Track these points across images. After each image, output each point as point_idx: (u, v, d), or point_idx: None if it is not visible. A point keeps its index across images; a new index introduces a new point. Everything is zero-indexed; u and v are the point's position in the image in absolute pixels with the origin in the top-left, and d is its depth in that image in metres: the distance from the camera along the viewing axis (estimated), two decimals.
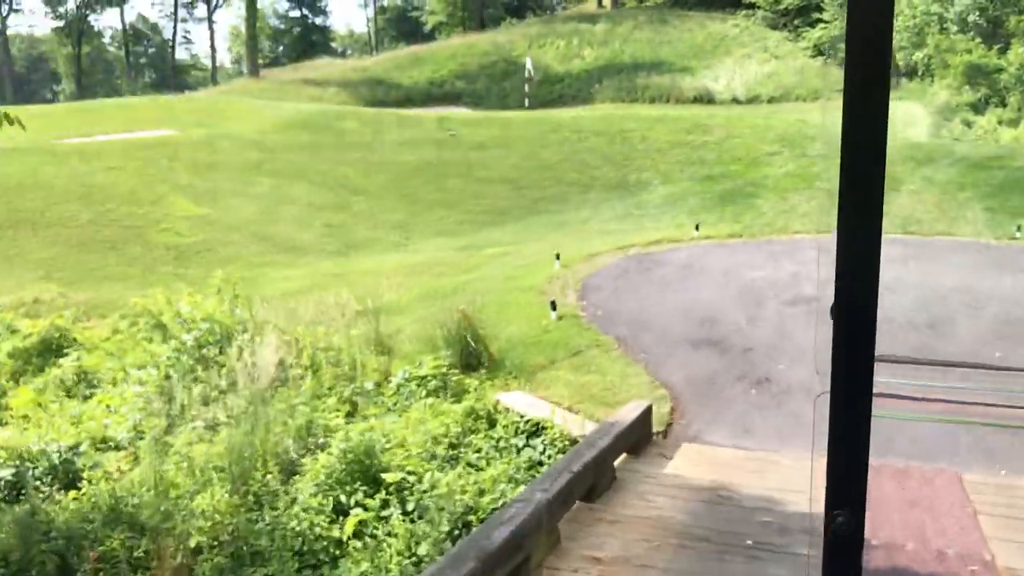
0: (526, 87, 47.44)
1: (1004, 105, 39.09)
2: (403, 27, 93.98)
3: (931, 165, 24.66)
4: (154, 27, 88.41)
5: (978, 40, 41.99)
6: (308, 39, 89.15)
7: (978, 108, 40.18)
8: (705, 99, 51.21)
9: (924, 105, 43.06)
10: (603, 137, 29.07)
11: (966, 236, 19.17)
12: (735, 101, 50.37)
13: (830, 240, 1.93)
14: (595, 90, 56.55)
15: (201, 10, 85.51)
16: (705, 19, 66.19)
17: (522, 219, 24.00)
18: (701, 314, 13.02)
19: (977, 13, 43.78)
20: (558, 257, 16.42)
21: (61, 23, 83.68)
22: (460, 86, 62.15)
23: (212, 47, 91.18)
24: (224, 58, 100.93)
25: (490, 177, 26.54)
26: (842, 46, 1.82)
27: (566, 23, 69.58)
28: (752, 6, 64.60)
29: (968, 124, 38.35)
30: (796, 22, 61.00)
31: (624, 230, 21.14)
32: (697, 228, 19.66)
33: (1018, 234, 18.89)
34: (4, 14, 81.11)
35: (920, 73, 48.19)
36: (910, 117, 41.81)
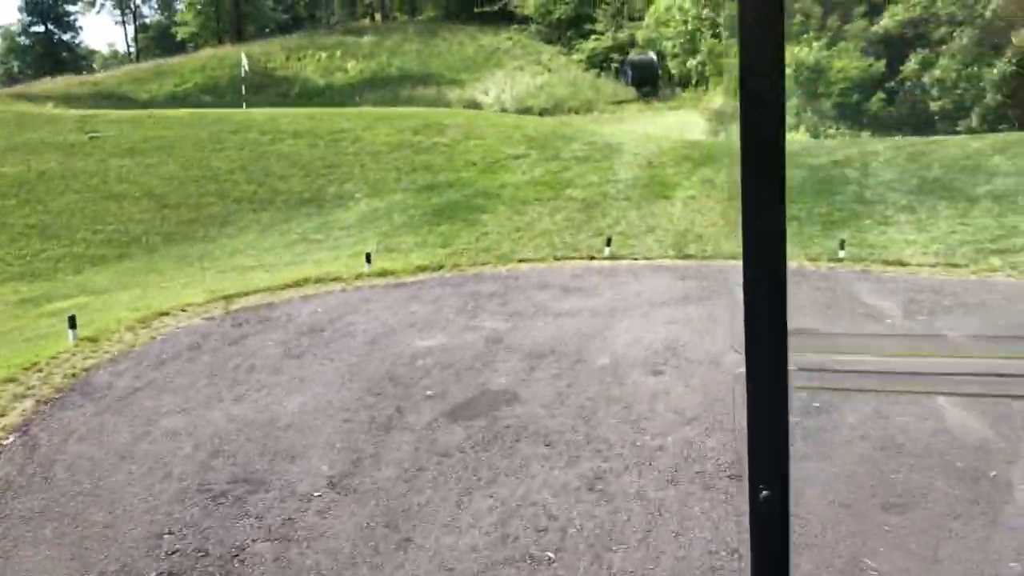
0: (243, 88, 38.98)
1: None
2: (166, 44, 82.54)
3: (711, 165, 17.97)
4: None
5: None
6: (55, 56, 76.78)
7: None
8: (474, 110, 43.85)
9: (700, 112, 37.42)
10: (303, 139, 21.05)
11: None
12: (504, 113, 43.39)
13: None
14: (356, 102, 48.28)
15: None
16: (477, 32, 59.45)
17: (154, 250, 15.62)
18: (249, 455, 5.27)
19: None
20: (73, 325, 8.29)
21: None
22: (206, 100, 52.42)
23: None
24: None
25: (128, 192, 17.97)
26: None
27: (330, 35, 61.31)
28: (526, 20, 58.48)
29: None
30: (569, 34, 55.10)
31: (279, 264, 13.16)
32: (368, 260, 11.90)
33: (842, 253, 12.11)
34: None
35: (695, 81, 42.72)
36: (686, 125, 35.97)
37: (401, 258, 12.65)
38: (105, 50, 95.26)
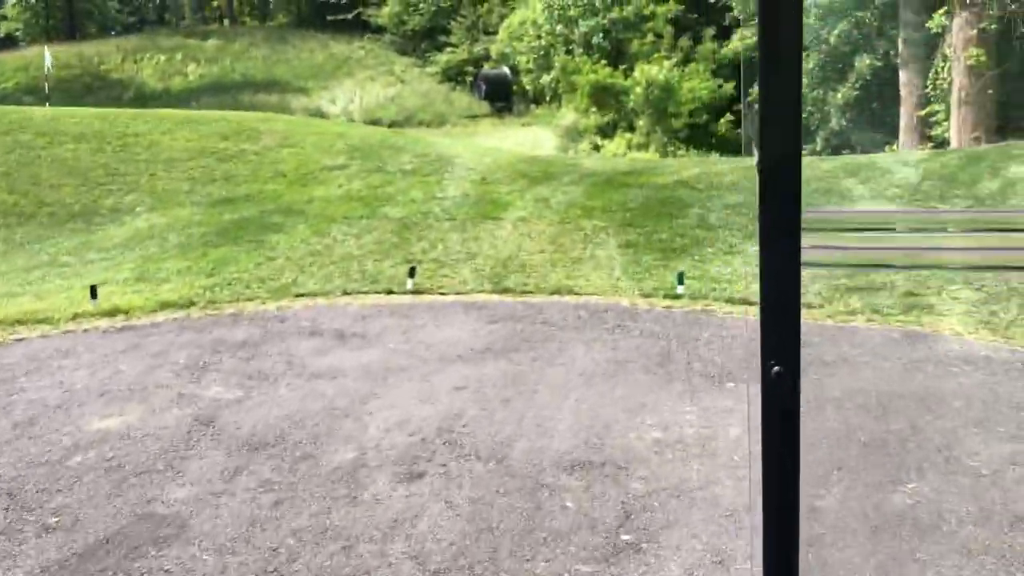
0: (46, 85, 35.12)
1: (633, 129, 32.24)
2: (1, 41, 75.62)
3: (549, 183, 15.91)
4: None
5: (604, 62, 35.02)
6: None
7: (607, 132, 33.13)
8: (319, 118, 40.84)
9: (552, 128, 35.69)
10: (88, 143, 17.91)
11: (599, 291, 10.24)
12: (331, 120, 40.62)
13: None
14: (192, 107, 44.46)
15: None
16: (329, 40, 56.36)
17: None
18: None
19: (601, 35, 36.97)
20: None
21: None
22: (27, 100, 47.47)
23: None
24: None
25: None
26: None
27: (171, 38, 57.06)
28: (380, 30, 55.84)
29: (597, 148, 31.05)
30: (423, 46, 52.77)
31: None
32: (94, 295, 9.20)
33: (680, 288, 10.13)
34: None
35: (548, 98, 41.04)
36: (535, 141, 34.14)
37: (149, 290, 9.94)
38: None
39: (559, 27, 39.45)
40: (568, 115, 35.11)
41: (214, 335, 8.29)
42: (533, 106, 42.38)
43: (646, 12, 35.32)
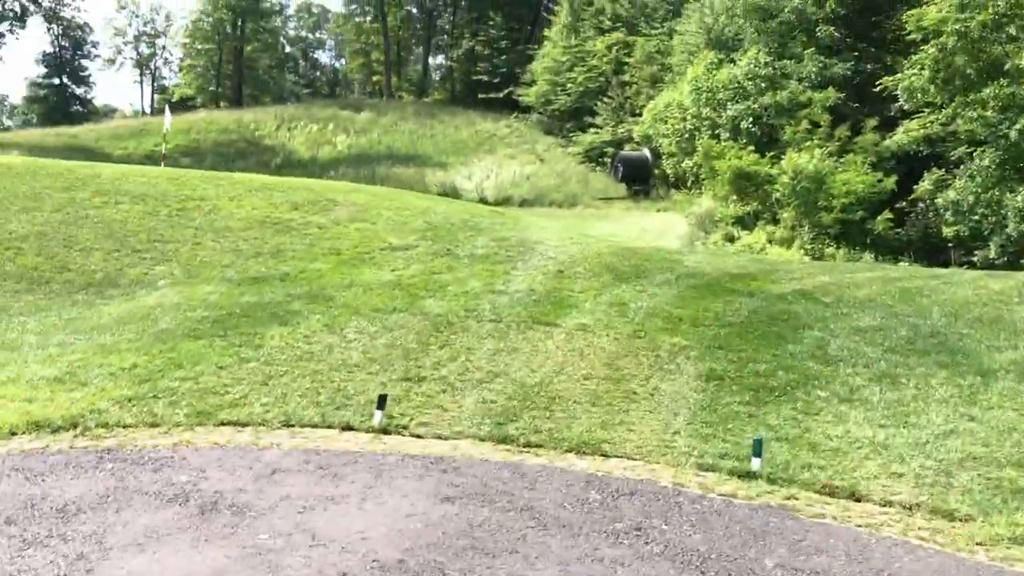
0: (163, 147, 34.70)
1: (776, 222, 28.53)
2: (181, 105, 79.36)
3: (636, 282, 12.82)
4: None
5: (751, 148, 31.49)
6: (65, 107, 73.95)
7: (746, 223, 29.55)
8: (450, 196, 39.13)
9: (685, 216, 32.37)
10: (144, 204, 16.16)
11: (639, 452, 7.04)
12: (483, 201, 38.68)
13: None
14: (331, 176, 43.93)
15: None
16: (477, 117, 55.33)
17: None
18: None
19: (750, 120, 33.54)
20: None
21: None
22: (183, 161, 48.32)
23: None
24: None
25: None
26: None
27: (326, 108, 57.45)
28: (528, 109, 54.34)
29: (731, 239, 27.51)
30: (568, 126, 50.71)
31: None
32: None
33: (756, 463, 6.78)
34: None
35: (689, 183, 37.80)
36: (663, 228, 30.90)
37: (47, 398, 7.46)
38: (127, 109, 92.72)
39: (706, 110, 36.28)
40: (705, 202, 31.77)
41: (40, 487, 5.64)
42: (673, 191, 39.22)
43: (802, 99, 31.66)
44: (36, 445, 6.41)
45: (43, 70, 75.11)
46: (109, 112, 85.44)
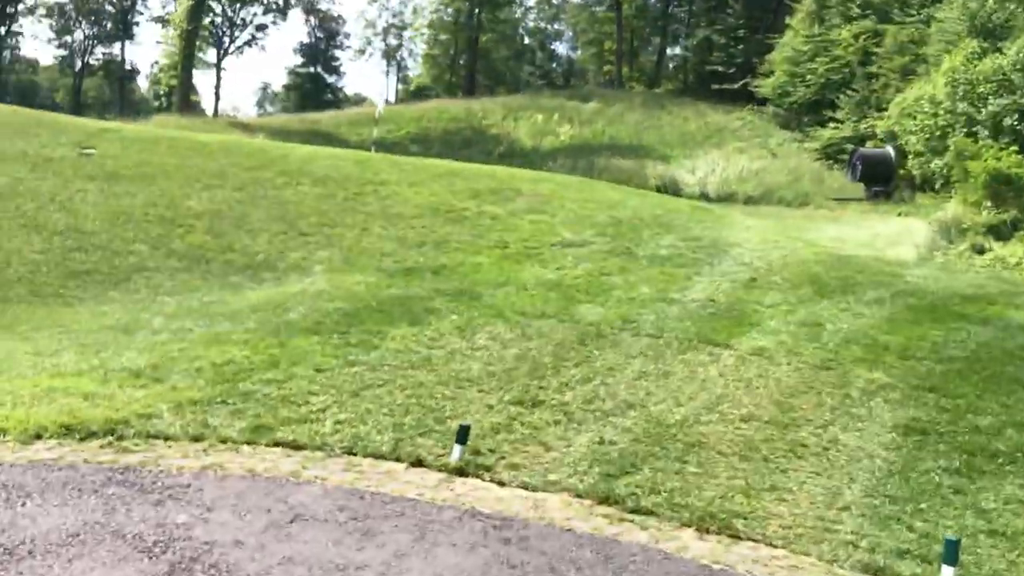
0: (374, 131, 34.80)
1: None
2: (422, 94, 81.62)
3: (840, 298, 10.62)
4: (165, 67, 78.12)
5: (1013, 149, 27.16)
6: (318, 95, 78.20)
7: (1001, 233, 25.44)
8: (670, 190, 37.13)
9: (928, 222, 28.50)
10: (323, 187, 15.61)
11: (787, 537, 5.17)
12: (704, 197, 36.40)
13: None
14: (549, 167, 43.19)
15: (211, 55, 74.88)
16: (708, 109, 52.60)
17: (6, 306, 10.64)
18: None
19: (1016, 117, 29.10)
20: None
21: (64, 52, 74.27)
22: (413, 148, 49.28)
23: (216, 92, 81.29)
24: (226, 104, 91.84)
25: (51, 225, 13.25)
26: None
27: (553, 98, 56.70)
28: (764, 101, 50.90)
29: (980, 251, 23.71)
30: (806, 120, 46.93)
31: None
32: None
33: (948, 575, 4.69)
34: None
35: (937, 186, 33.50)
36: (899, 236, 27.29)
37: (114, 393, 6.64)
38: (376, 98, 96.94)
39: (963, 105, 31.94)
40: (953, 207, 27.83)
41: (12, 513, 4.67)
42: (918, 194, 34.98)
43: None
44: (50, 455, 5.51)
45: (300, 60, 79.46)
46: (359, 100, 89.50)
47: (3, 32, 71.63)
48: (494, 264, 12.49)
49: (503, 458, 6.10)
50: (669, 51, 72.80)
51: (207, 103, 75.28)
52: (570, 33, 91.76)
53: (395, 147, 48.23)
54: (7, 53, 75.19)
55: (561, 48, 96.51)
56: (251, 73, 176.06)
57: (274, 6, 70.23)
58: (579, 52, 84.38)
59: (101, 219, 13.62)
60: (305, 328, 9.16)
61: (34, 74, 78.50)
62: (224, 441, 5.99)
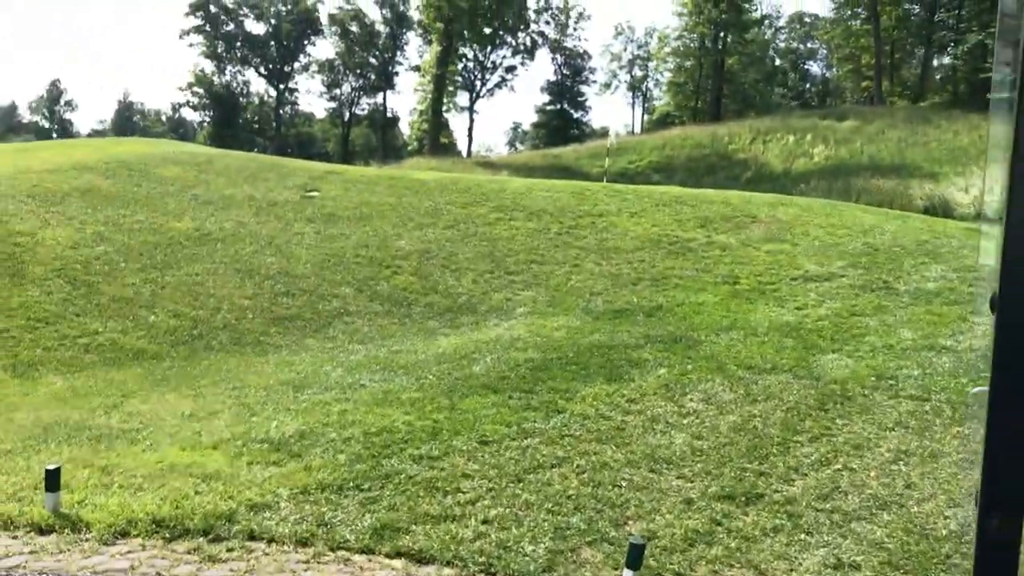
0: (606, 161, 33.14)
1: None
2: (667, 123, 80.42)
3: None
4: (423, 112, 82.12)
5: None
6: (566, 130, 78.85)
7: None
8: (940, 211, 33.01)
9: None
10: (538, 221, 14.37)
11: None
12: (979, 217, 31.90)
13: None
14: (800, 190, 40.09)
15: (463, 98, 77.56)
16: (982, 121, 46.82)
17: (203, 352, 10.36)
18: None
19: None
20: None
21: (334, 105, 79.64)
22: (655, 178, 47.85)
23: (469, 134, 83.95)
24: (479, 145, 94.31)
25: (263, 269, 12.94)
26: None
27: (805, 119, 53.02)
28: None
29: None
30: None
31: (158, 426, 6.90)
32: None
33: None
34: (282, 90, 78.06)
35: None
36: None
37: (234, 477, 5.61)
38: (621, 129, 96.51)
39: None
40: None
41: None
42: None
43: None
44: (122, 563, 4.44)
45: (547, 98, 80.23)
46: (603, 133, 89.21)
47: (283, 88, 78.17)
48: (720, 303, 10.61)
49: None
50: (935, 61, 66.32)
51: (462, 144, 77.85)
52: (824, 51, 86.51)
53: (637, 177, 46.84)
54: (288, 108, 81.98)
55: (815, 67, 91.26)
56: (503, 112, 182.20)
57: (522, 47, 71.32)
58: (834, 70, 79.19)
59: (313, 262, 13.16)
60: (485, 384, 7.83)
61: (310, 126, 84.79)
62: (335, 548, 4.69)
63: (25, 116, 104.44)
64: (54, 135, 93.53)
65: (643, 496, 5.45)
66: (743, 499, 5.40)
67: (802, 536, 4.95)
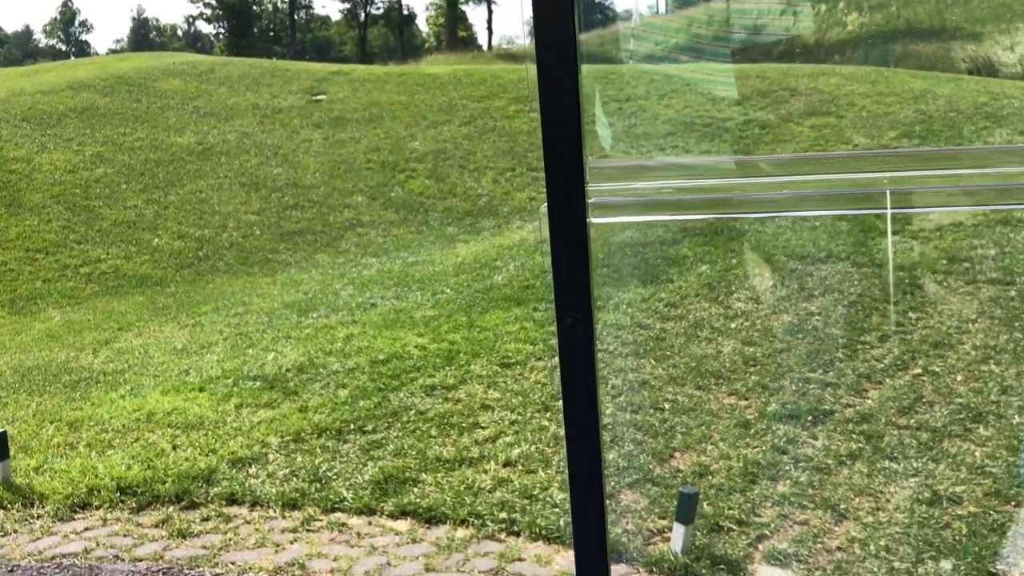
0: (631, 43, 31.22)
1: None
2: None
3: None
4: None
5: None
6: (588, 15, 75.79)
7: None
8: (984, 71, 30.95)
9: None
10: (585, 105, 13.41)
11: None
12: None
13: None
14: (837, 61, 37.94)
15: None
16: None
17: (215, 273, 9.66)
18: None
19: None
20: None
21: (348, 5, 77.15)
22: (682, 59, 45.70)
23: (489, 26, 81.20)
24: (500, 37, 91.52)
25: (270, 180, 12.09)
26: None
27: None
28: None
29: None
30: None
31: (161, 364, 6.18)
32: None
33: None
34: None
35: None
36: None
37: (221, 424, 4.87)
38: (645, 10, 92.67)
39: None
40: None
41: None
42: None
43: None
44: (75, 545, 3.72)
45: None
46: (628, 17, 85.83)
47: None
48: (759, 187, 9.58)
49: (764, 538, 3.53)
50: None
51: (482, 38, 75.10)
52: None
53: (663, 60, 44.55)
54: (302, 13, 79.57)
55: None
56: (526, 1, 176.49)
57: None
58: None
59: (322, 171, 12.25)
60: (508, 296, 6.98)
61: (326, 29, 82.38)
62: (329, 511, 3.92)
63: (41, 40, 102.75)
64: (72, 58, 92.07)
65: (690, 420, 4.62)
66: (809, 418, 4.55)
67: (885, 463, 4.09)
